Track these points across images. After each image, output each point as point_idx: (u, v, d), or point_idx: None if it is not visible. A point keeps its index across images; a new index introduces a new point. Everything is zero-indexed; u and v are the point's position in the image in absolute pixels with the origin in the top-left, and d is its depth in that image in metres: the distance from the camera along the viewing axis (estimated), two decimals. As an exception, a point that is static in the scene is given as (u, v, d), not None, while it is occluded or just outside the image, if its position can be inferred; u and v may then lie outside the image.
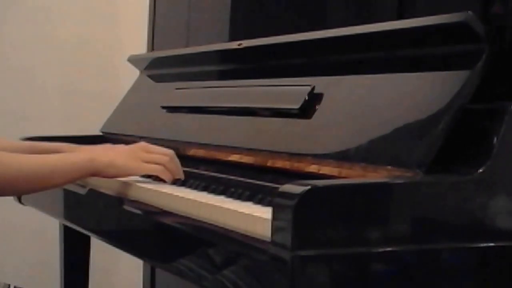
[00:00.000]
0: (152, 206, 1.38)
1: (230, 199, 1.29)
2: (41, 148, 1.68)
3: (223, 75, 1.79)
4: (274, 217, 0.99)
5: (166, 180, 1.44)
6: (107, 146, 1.59)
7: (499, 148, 1.06)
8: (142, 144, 1.50)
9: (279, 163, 1.35)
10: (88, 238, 2.07)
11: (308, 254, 0.95)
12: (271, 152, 1.38)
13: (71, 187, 1.68)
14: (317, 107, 1.34)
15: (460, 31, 1.14)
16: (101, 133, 2.09)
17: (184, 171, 1.52)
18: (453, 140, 1.09)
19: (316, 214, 0.96)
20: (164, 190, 1.37)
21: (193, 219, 1.24)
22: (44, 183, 1.43)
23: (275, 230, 0.98)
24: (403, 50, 1.26)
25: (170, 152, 1.48)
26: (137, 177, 1.55)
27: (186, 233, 1.24)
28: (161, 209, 1.35)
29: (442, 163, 1.08)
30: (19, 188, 1.46)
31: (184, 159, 1.58)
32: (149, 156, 1.45)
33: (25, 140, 1.94)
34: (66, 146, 1.68)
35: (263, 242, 1.04)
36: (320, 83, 1.37)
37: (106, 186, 1.56)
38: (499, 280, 1.08)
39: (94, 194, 1.58)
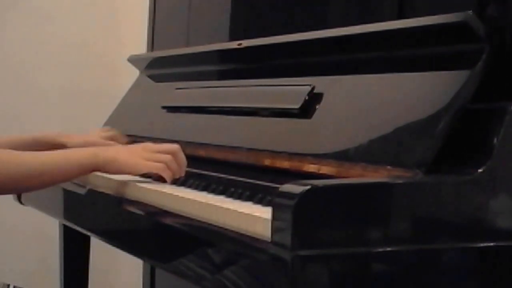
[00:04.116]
0: (152, 206, 1.38)
1: (230, 199, 1.29)
2: (35, 139, 1.69)
3: (223, 75, 1.79)
4: (274, 217, 0.99)
5: (166, 178, 1.44)
6: (99, 135, 1.60)
7: (499, 148, 1.06)
8: (147, 144, 1.50)
9: (279, 163, 1.35)
10: (88, 238, 2.07)
11: (308, 254, 0.95)
12: (271, 152, 1.38)
13: (71, 187, 1.68)
14: (317, 107, 1.34)
15: (460, 31, 1.14)
16: (101, 133, 2.08)
17: (184, 171, 1.52)
18: (453, 140, 1.09)
19: (316, 214, 0.96)
20: (164, 190, 1.37)
21: (193, 219, 1.24)
22: (48, 179, 1.44)
23: (275, 230, 0.98)
24: (403, 50, 1.26)
25: (175, 148, 1.47)
26: (137, 176, 1.55)
27: (186, 233, 1.24)
28: (161, 209, 1.35)
29: (442, 163, 1.08)
30: (23, 185, 1.47)
31: (184, 159, 1.58)
32: (152, 155, 1.45)
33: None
34: (55, 134, 1.70)
35: (263, 242, 1.04)
36: (320, 83, 1.37)
37: (106, 186, 1.56)
38: (499, 280, 1.08)
39: (93, 194, 1.58)
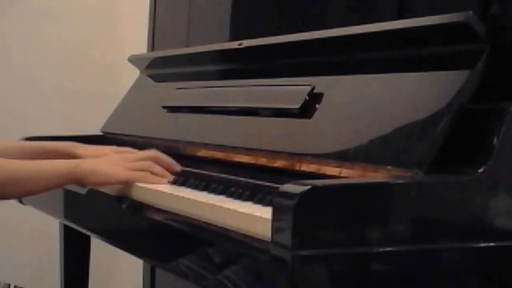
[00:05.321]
0: (152, 206, 1.38)
1: (230, 199, 1.29)
2: (44, 148, 1.68)
3: (223, 75, 1.79)
4: (274, 217, 0.99)
5: (156, 182, 1.45)
6: (112, 148, 1.60)
7: (499, 148, 1.06)
8: (125, 154, 1.52)
9: (279, 163, 1.35)
10: (88, 238, 2.07)
11: (308, 254, 0.95)
12: (271, 152, 1.38)
13: (71, 187, 1.68)
14: (317, 107, 1.34)
15: (460, 31, 1.14)
16: (101, 133, 2.09)
17: (184, 171, 1.52)
18: (453, 140, 1.09)
19: (316, 214, 0.96)
20: (164, 190, 1.37)
21: (193, 219, 1.24)
22: (30, 188, 1.46)
23: (275, 230, 0.98)
24: (403, 50, 1.26)
25: (153, 153, 1.49)
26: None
27: (186, 233, 1.25)
28: (161, 209, 1.35)
29: (442, 163, 1.08)
30: (5, 192, 1.47)
31: (184, 159, 1.58)
32: (133, 164, 1.46)
33: (25, 140, 1.94)
34: (69, 145, 1.68)
35: (263, 242, 1.04)
36: (320, 83, 1.37)
37: (106, 186, 1.56)
38: (499, 280, 1.08)
39: (94, 194, 1.58)
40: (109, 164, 1.46)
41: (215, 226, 1.17)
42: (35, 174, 1.44)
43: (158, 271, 2.23)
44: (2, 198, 1.65)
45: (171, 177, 1.48)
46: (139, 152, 1.51)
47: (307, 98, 1.36)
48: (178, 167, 1.49)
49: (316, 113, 1.33)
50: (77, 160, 1.50)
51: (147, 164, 1.46)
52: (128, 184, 1.47)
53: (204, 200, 1.25)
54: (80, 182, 1.46)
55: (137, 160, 1.47)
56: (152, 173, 1.46)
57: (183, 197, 1.30)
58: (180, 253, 1.27)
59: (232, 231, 1.13)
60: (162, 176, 1.47)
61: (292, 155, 1.33)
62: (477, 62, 1.12)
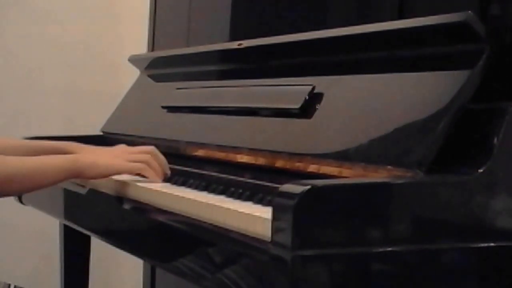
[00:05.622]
0: (152, 206, 1.38)
1: (230, 199, 1.29)
2: (45, 147, 1.68)
3: (223, 75, 1.79)
4: (274, 217, 0.99)
5: (150, 177, 1.46)
6: (105, 148, 1.61)
7: (499, 148, 1.06)
8: (124, 146, 1.54)
9: (279, 163, 1.35)
10: (88, 238, 2.07)
11: (308, 254, 0.95)
12: (271, 152, 1.38)
13: (71, 187, 1.68)
14: (317, 107, 1.34)
15: (460, 31, 1.14)
16: (101, 133, 2.09)
17: (184, 171, 1.52)
18: (453, 140, 1.09)
19: (316, 214, 0.96)
20: (164, 190, 1.37)
21: (193, 219, 1.24)
22: (30, 184, 1.46)
23: (275, 230, 0.98)
24: (403, 50, 1.26)
25: (152, 149, 1.51)
26: (138, 177, 1.56)
27: (186, 233, 1.25)
28: (161, 209, 1.35)
29: (442, 163, 1.08)
30: (5, 189, 1.47)
31: (185, 159, 1.58)
32: (132, 156, 1.48)
33: (26, 140, 1.94)
34: (69, 145, 1.69)
35: (263, 242, 1.04)
36: (320, 83, 1.37)
37: (106, 186, 1.56)
38: (499, 280, 1.08)
39: (94, 194, 1.58)
40: (108, 157, 1.48)
41: (215, 226, 1.17)
42: (34, 170, 1.44)
43: (158, 271, 2.23)
44: (3, 195, 1.66)
45: (168, 173, 1.51)
46: (137, 147, 1.52)
47: (307, 98, 1.36)
48: (168, 171, 1.51)
49: (316, 113, 1.33)
50: (77, 155, 1.50)
51: (146, 157, 1.48)
52: (128, 172, 1.49)
53: (204, 200, 1.25)
54: (80, 176, 1.46)
55: (136, 153, 1.49)
56: (150, 166, 1.48)
57: (183, 197, 1.30)
58: (180, 253, 1.27)
59: (232, 231, 1.13)
60: (159, 173, 1.48)
61: (292, 155, 1.33)
62: (477, 62, 1.12)
